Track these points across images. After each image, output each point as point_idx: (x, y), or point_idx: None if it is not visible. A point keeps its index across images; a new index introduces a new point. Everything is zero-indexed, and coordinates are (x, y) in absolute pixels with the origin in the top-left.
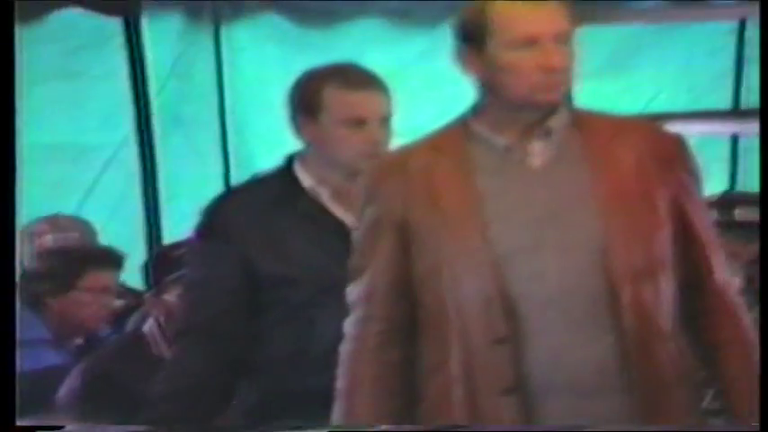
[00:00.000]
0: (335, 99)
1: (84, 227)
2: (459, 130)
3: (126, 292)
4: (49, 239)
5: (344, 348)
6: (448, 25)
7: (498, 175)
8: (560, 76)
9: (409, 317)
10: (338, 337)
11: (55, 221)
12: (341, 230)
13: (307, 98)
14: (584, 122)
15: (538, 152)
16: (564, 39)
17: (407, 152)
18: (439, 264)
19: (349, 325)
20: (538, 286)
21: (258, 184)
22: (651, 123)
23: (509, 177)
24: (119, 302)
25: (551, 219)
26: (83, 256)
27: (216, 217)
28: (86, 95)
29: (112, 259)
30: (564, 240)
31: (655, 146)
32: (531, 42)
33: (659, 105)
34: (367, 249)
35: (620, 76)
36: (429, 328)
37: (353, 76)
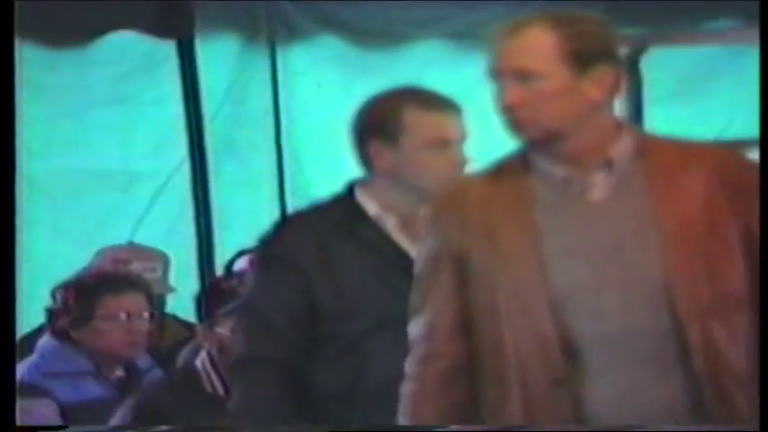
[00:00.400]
0: (418, 120)
1: (164, 258)
2: (519, 162)
3: (177, 324)
4: (135, 267)
5: (406, 388)
6: None
7: (557, 208)
8: (523, 113)
9: (472, 354)
10: (392, 375)
11: (137, 250)
12: (403, 262)
13: (383, 121)
14: (650, 149)
15: (598, 184)
16: (530, 75)
17: (466, 184)
18: (495, 301)
19: (410, 364)
20: (599, 325)
21: (318, 211)
22: (723, 148)
23: (568, 211)
24: (147, 326)
25: (612, 254)
26: (94, 286)
27: (275, 244)
28: (138, 121)
29: (128, 283)
30: (626, 277)
31: (726, 173)
32: (496, 76)
33: (733, 132)
34: (427, 285)
35: (692, 102)
36: (488, 368)
37: (432, 97)
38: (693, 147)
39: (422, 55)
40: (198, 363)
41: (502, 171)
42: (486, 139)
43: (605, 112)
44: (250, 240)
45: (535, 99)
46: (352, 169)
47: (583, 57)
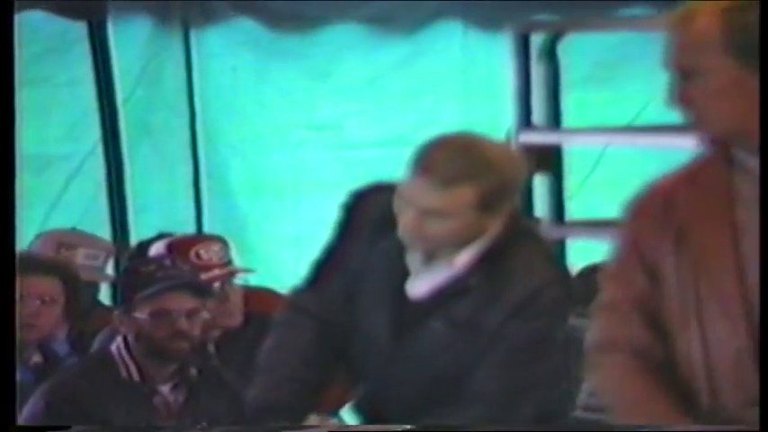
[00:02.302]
0: None
1: (108, 248)
2: (720, 157)
3: (93, 308)
4: (80, 253)
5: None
6: (429, 31)
7: (754, 203)
8: (694, 112)
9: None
10: None
11: (82, 236)
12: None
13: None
14: None
15: None
16: (696, 72)
17: (661, 186)
18: (686, 304)
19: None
20: None
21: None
22: None
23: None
24: (54, 311)
25: None
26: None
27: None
28: (51, 103)
29: (35, 266)
30: None
31: None
32: (668, 71)
33: (647, 117)
34: (616, 282)
35: (607, 86)
36: (675, 373)
37: None
38: None
39: (337, 39)
40: (113, 348)
41: (704, 167)
42: (400, 124)
43: None
44: (166, 223)
45: (704, 97)
46: (265, 151)
47: (747, 49)
